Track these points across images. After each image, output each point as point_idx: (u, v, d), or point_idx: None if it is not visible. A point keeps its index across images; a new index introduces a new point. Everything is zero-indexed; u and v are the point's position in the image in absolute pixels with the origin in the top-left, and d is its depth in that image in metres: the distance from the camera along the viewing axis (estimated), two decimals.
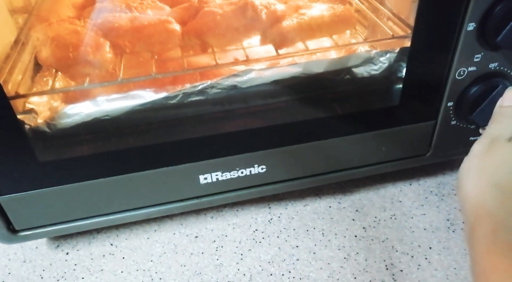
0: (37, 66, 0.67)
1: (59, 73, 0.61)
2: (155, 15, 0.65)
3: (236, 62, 0.64)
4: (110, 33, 0.61)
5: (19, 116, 0.53)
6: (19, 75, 0.61)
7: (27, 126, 0.55)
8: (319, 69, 0.60)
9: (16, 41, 0.65)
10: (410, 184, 0.75)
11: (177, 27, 0.63)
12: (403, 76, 0.62)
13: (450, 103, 0.63)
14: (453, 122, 0.65)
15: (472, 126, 0.66)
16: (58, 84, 0.66)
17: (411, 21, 0.62)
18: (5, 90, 0.49)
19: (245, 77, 0.59)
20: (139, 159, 0.59)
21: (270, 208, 0.72)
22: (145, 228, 0.70)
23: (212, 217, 0.71)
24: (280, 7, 0.64)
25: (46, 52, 0.59)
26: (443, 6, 0.54)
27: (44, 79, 0.67)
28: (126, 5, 0.67)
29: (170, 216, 0.71)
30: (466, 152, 0.47)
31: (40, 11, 0.70)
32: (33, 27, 0.64)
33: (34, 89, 0.65)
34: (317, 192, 0.74)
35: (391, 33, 0.65)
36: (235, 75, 0.59)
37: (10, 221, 0.59)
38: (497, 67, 0.60)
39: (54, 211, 0.61)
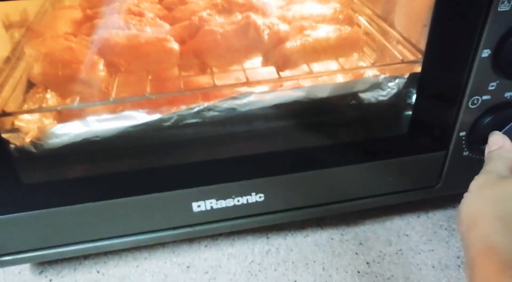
0: (30, 82, 0.65)
1: (46, 91, 0.58)
2: (153, 33, 0.63)
3: (235, 84, 0.61)
4: (105, 50, 0.59)
5: (3, 135, 0.50)
6: (10, 91, 0.58)
7: (12, 146, 0.52)
8: (323, 94, 0.57)
9: (10, 56, 0.63)
10: (418, 217, 0.71)
11: (175, 46, 0.60)
12: (413, 103, 0.58)
13: (462, 133, 0.59)
14: (466, 153, 0.61)
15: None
16: (51, 101, 0.64)
17: (422, 45, 0.59)
18: None
19: (244, 100, 0.56)
20: (129, 183, 0.55)
21: (268, 238, 0.68)
22: (135, 254, 0.66)
23: (206, 246, 0.67)
24: (283, 27, 0.61)
25: (37, 69, 0.57)
26: (456, 31, 0.51)
27: (37, 95, 0.64)
28: (125, 22, 0.64)
29: (162, 243, 0.67)
30: None
31: (37, 26, 0.68)
32: (28, 42, 0.62)
33: (26, 105, 0.62)
34: (319, 222, 0.70)
35: (401, 58, 0.61)
36: (234, 97, 0.56)
37: None
38: None
39: (38, 236, 0.57)
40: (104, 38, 0.60)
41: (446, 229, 0.68)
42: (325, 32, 0.62)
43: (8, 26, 0.64)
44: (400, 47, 0.65)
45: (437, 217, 0.70)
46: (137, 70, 0.60)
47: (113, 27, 0.63)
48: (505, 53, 0.52)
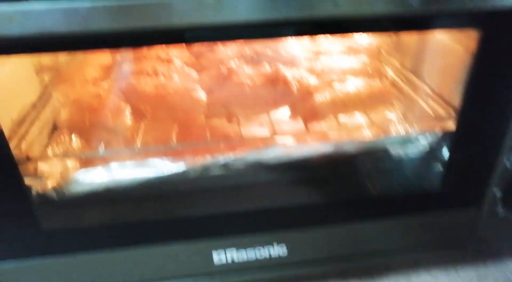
0: (56, 124, 0.65)
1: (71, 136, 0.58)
2: (181, 81, 0.63)
3: (262, 138, 0.60)
4: (132, 97, 0.59)
5: (26, 181, 0.50)
6: (36, 134, 0.58)
7: (34, 192, 0.51)
8: (352, 149, 0.55)
9: (39, 98, 0.63)
10: (447, 273, 0.66)
11: (202, 95, 0.60)
12: (445, 160, 0.56)
13: (497, 192, 0.57)
14: (501, 212, 0.58)
15: None
16: (75, 144, 0.63)
17: (455, 101, 0.58)
18: (16, 151, 0.46)
19: (271, 153, 0.55)
20: (150, 231, 0.54)
21: None
22: None
23: None
24: (312, 80, 0.61)
25: (64, 115, 0.57)
26: (495, 89, 0.50)
27: (62, 138, 0.64)
28: (153, 70, 0.65)
29: None
30: None
31: (66, 70, 0.69)
32: (57, 85, 0.63)
33: (50, 148, 0.62)
34: (342, 274, 0.66)
35: (431, 112, 0.60)
36: (260, 150, 0.55)
37: None
38: None
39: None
40: (131, 85, 0.60)
41: None
42: (355, 85, 0.61)
43: (39, 70, 0.65)
44: (429, 101, 0.64)
45: (467, 274, 0.66)
46: (163, 118, 0.59)
47: (142, 73, 0.64)
48: None
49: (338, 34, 0.64)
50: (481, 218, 0.59)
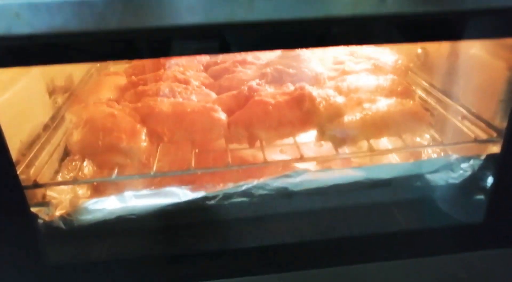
0: (67, 149, 0.61)
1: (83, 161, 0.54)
2: (199, 102, 0.59)
3: (289, 160, 0.55)
4: (149, 118, 0.55)
5: (32, 209, 0.46)
6: (46, 158, 0.55)
7: (40, 221, 0.47)
8: (386, 174, 0.50)
9: (51, 120, 0.60)
10: None
11: (222, 116, 0.56)
12: (489, 188, 0.51)
13: None
14: None
15: None
16: (86, 170, 0.60)
17: (497, 122, 0.53)
18: (23, 176, 0.43)
19: (297, 179, 0.50)
20: (164, 269, 0.49)
21: None
22: None
23: None
24: (340, 99, 0.57)
25: (76, 136, 0.53)
26: None
27: (73, 163, 0.61)
28: (170, 90, 0.62)
29: None
30: None
31: (80, 91, 0.66)
32: (70, 107, 0.60)
33: (60, 174, 0.58)
34: None
35: (472, 136, 0.55)
36: (286, 175, 0.50)
37: None
38: None
39: None
40: (148, 105, 0.56)
41: None
42: (386, 105, 0.56)
43: (52, 91, 0.63)
44: (466, 122, 0.59)
45: None
46: (181, 140, 0.55)
47: (158, 94, 0.61)
48: None
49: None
50: None
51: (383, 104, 0.56)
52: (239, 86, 0.62)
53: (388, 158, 0.61)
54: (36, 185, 0.48)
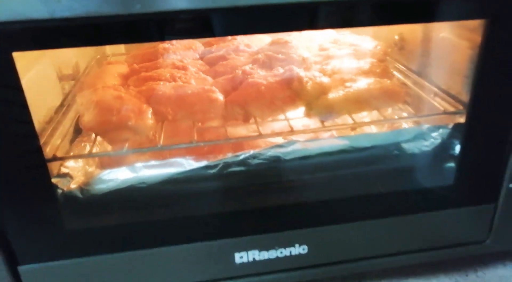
0: (76, 132, 0.67)
1: (98, 139, 0.60)
2: (198, 85, 0.65)
3: (280, 133, 0.61)
4: (153, 100, 0.61)
5: (53, 180, 0.51)
6: (59, 139, 0.60)
7: (59, 191, 0.53)
8: (367, 143, 0.57)
9: (60, 106, 0.65)
10: (467, 275, 0.67)
11: (220, 96, 0.62)
12: (457, 154, 0.58)
13: None
14: None
15: None
16: (95, 150, 0.65)
17: (463, 97, 0.60)
18: (43, 152, 0.48)
19: (289, 148, 0.56)
20: (172, 231, 0.54)
21: None
22: None
23: None
24: (325, 79, 0.63)
25: (88, 116, 0.58)
26: (502, 79, 0.52)
27: (82, 144, 0.66)
28: (171, 75, 0.67)
29: None
30: None
31: (86, 78, 0.72)
32: (78, 93, 0.65)
33: (71, 153, 0.64)
34: (360, 278, 0.67)
35: (442, 109, 0.62)
36: (278, 146, 0.56)
37: None
38: None
39: None
40: (151, 88, 0.62)
41: None
42: (366, 84, 0.63)
43: (61, 78, 0.68)
44: (438, 99, 0.66)
45: (487, 276, 0.66)
46: (183, 119, 0.61)
47: (160, 79, 0.66)
48: None
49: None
50: (497, 212, 0.60)
51: (364, 83, 0.63)
52: (233, 71, 0.68)
53: (368, 130, 0.68)
54: (56, 158, 0.53)
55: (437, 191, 0.60)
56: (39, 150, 0.47)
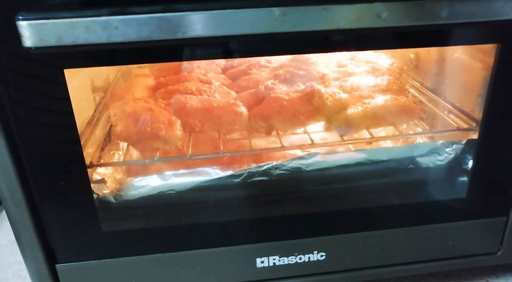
0: (105, 141, 0.70)
1: (128, 147, 0.64)
2: (222, 99, 0.69)
3: (302, 145, 0.65)
4: (181, 112, 0.65)
5: (92, 185, 0.55)
6: (92, 147, 0.64)
7: (95, 196, 0.56)
8: (384, 156, 0.60)
9: (92, 116, 0.69)
10: None
11: (244, 110, 0.66)
12: (470, 169, 0.60)
13: None
14: None
15: None
16: (127, 155, 0.69)
17: (476, 114, 0.63)
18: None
19: (309, 160, 0.60)
20: (198, 236, 0.58)
21: None
22: None
23: None
24: (344, 95, 0.66)
25: (121, 126, 0.62)
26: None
27: (111, 152, 0.70)
28: (197, 89, 0.71)
29: None
30: None
31: (116, 90, 0.76)
32: (107, 105, 0.69)
33: (102, 161, 0.67)
34: None
35: (456, 125, 0.65)
36: (300, 157, 0.60)
37: None
38: None
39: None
40: (180, 101, 0.66)
41: None
42: (383, 100, 0.66)
43: (93, 90, 0.72)
44: (452, 116, 0.69)
45: None
46: (209, 130, 0.65)
47: (186, 92, 0.70)
48: None
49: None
50: (508, 225, 0.63)
51: (381, 99, 0.67)
52: (255, 86, 0.72)
53: (383, 144, 0.71)
54: (93, 165, 0.57)
55: (450, 204, 0.62)
56: (81, 156, 0.51)
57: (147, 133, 0.61)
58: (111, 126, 0.68)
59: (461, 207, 0.62)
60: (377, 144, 0.67)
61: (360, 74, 0.76)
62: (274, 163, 0.59)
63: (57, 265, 0.56)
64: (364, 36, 0.49)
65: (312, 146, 0.62)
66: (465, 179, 0.61)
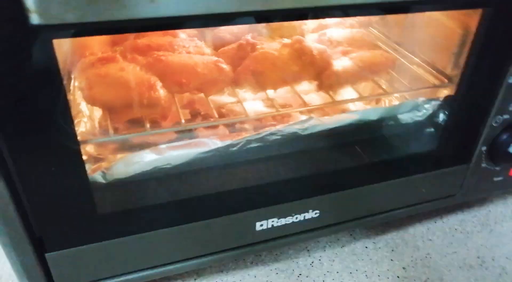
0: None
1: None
2: (203, 55, 0.63)
3: (297, 108, 0.63)
4: (163, 71, 0.58)
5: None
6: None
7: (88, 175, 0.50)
8: (374, 116, 0.62)
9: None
10: (435, 222, 0.78)
11: (227, 67, 0.61)
12: (443, 123, 0.65)
13: (483, 148, 0.68)
14: (483, 165, 0.70)
15: (497, 168, 0.71)
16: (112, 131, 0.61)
17: (449, 71, 0.67)
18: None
19: (305, 124, 0.59)
20: (199, 208, 0.56)
21: (308, 250, 0.71)
22: (183, 277, 0.65)
23: (252, 263, 0.69)
24: (329, 51, 0.65)
25: (96, 91, 0.55)
26: (490, 62, 0.58)
27: (76, 121, 0.61)
28: (169, 45, 0.64)
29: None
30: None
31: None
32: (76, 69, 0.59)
33: (92, 133, 0.59)
34: (351, 233, 0.75)
35: (429, 81, 0.68)
36: (296, 123, 0.59)
37: (53, 279, 0.53)
38: None
39: (100, 266, 0.55)
40: (159, 59, 0.59)
41: (461, 232, 0.77)
42: (364, 55, 0.66)
43: None
44: (421, 70, 0.72)
45: (451, 221, 0.79)
46: (194, 90, 0.60)
47: (160, 49, 0.63)
48: None
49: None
50: (468, 170, 0.70)
51: (360, 54, 0.66)
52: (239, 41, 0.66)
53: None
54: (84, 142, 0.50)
55: (425, 156, 0.67)
56: (74, 135, 0.44)
57: (127, 97, 0.54)
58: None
59: (431, 158, 0.68)
60: (365, 103, 0.68)
61: (333, 26, 0.74)
62: (273, 129, 0.57)
63: (46, 254, 0.50)
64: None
65: (305, 106, 0.61)
66: (435, 132, 0.66)
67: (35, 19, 0.30)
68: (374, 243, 0.74)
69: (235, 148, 0.57)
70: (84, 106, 0.61)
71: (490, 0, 0.53)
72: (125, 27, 0.37)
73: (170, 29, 0.62)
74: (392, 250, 0.72)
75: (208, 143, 0.55)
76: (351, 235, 0.75)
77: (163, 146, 0.53)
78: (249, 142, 0.57)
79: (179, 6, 0.33)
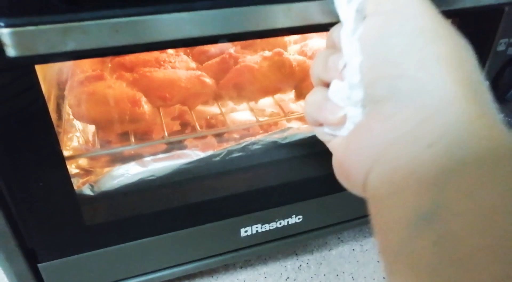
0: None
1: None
2: (187, 69, 0.66)
3: (277, 117, 0.66)
4: (147, 86, 0.61)
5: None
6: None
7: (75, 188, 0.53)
8: None
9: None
10: None
11: (210, 81, 0.64)
12: None
13: None
14: None
15: None
16: (99, 143, 0.64)
17: None
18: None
19: (284, 133, 0.62)
20: (184, 216, 0.58)
21: (296, 254, 0.74)
22: None
23: (241, 267, 0.71)
24: (308, 62, 0.67)
25: (84, 108, 0.58)
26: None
27: (68, 135, 0.65)
28: (155, 61, 0.67)
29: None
30: None
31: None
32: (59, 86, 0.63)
33: (78, 146, 0.62)
34: (339, 236, 0.77)
35: None
36: (275, 132, 0.61)
37: None
38: None
39: (92, 275, 0.58)
40: (144, 75, 0.62)
41: None
42: None
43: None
44: None
45: None
46: (177, 104, 0.63)
47: (146, 65, 0.66)
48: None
49: None
50: None
51: None
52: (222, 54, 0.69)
53: None
54: (70, 157, 0.53)
55: None
56: (58, 149, 0.46)
57: (113, 113, 0.57)
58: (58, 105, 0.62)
59: None
60: None
61: (316, 37, 0.76)
62: (253, 139, 0.60)
63: (39, 264, 0.53)
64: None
65: (285, 116, 0.63)
66: None
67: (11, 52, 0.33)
68: (362, 245, 0.75)
69: (217, 158, 0.59)
70: (77, 122, 0.64)
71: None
72: (96, 54, 0.39)
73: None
74: (379, 252, 0.74)
75: (190, 154, 0.57)
76: (339, 238, 0.77)
77: (148, 158, 0.56)
78: (230, 152, 0.59)
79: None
